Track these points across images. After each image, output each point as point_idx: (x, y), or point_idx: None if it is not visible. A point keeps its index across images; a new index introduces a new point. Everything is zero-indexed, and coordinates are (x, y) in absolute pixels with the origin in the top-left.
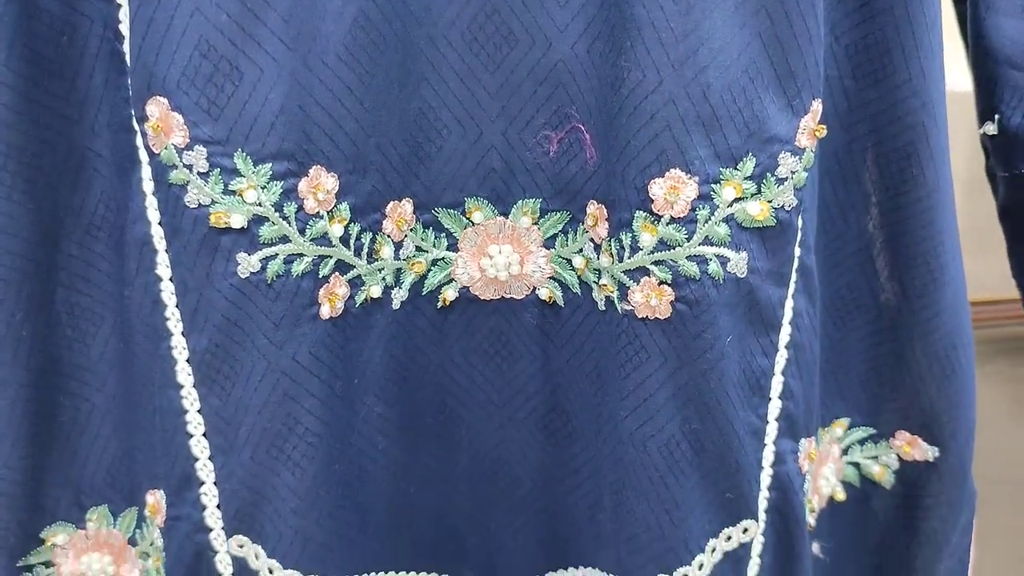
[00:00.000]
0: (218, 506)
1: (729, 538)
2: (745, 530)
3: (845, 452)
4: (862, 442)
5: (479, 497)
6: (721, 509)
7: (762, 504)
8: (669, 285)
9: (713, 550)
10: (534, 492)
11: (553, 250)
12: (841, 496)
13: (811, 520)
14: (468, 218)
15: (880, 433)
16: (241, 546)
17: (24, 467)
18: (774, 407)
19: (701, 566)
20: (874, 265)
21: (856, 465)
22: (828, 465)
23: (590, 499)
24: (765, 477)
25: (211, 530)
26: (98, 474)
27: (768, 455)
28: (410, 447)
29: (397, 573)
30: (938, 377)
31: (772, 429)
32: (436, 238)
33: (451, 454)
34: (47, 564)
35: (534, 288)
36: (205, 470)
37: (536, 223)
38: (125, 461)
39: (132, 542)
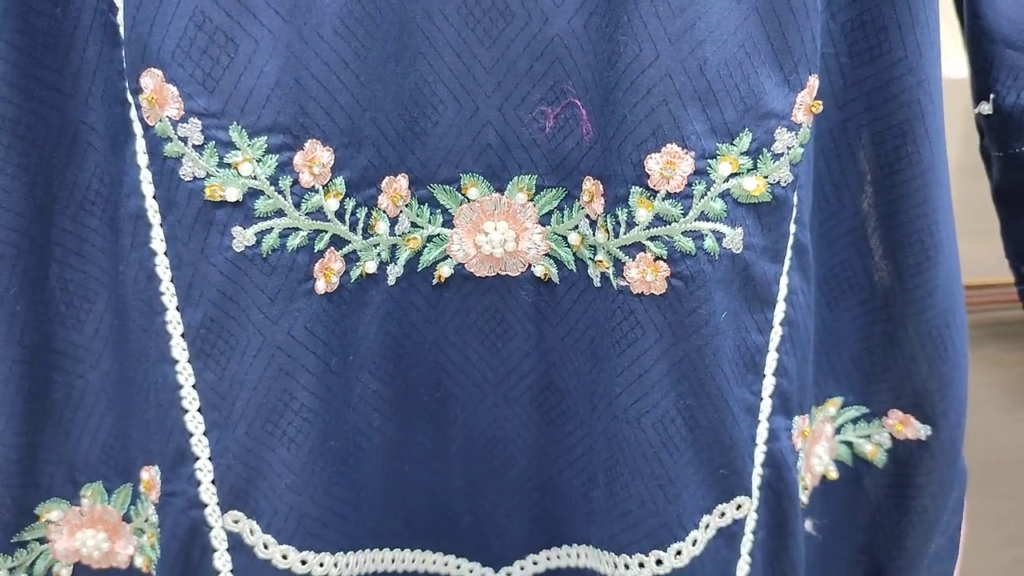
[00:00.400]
0: (213, 482)
1: (723, 514)
2: (739, 506)
3: (838, 431)
4: (855, 421)
5: (473, 476)
6: (715, 485)
7: (755, 481)
8: (665, 261)
9: (707, 526)
10: (528, 471)
11: (549, 227)
12: (834, 475)
13: (804, 498)
14: (464, 194)
15: (873, 412)
16: (236, 521)
17: (18, 444)
18: (768, 384)
19: (695, 542)
20: (868, 244)
21: (849, 444)
22: (821, 444)
23: (584, 477)
24: (759, 454)
25: (206, 506)
26: (92, 451)
27: (762, 432)
28: (405, 425)
29: (392, 550)
30: (931, 356)
31: (766, 406)
32: (432, 214)
33: (445, 433)
34: (41, 540)
35: (529, 265)
36: (200, 445)
37: (532, 200)
38: (119, 438)
39: (127, 519)
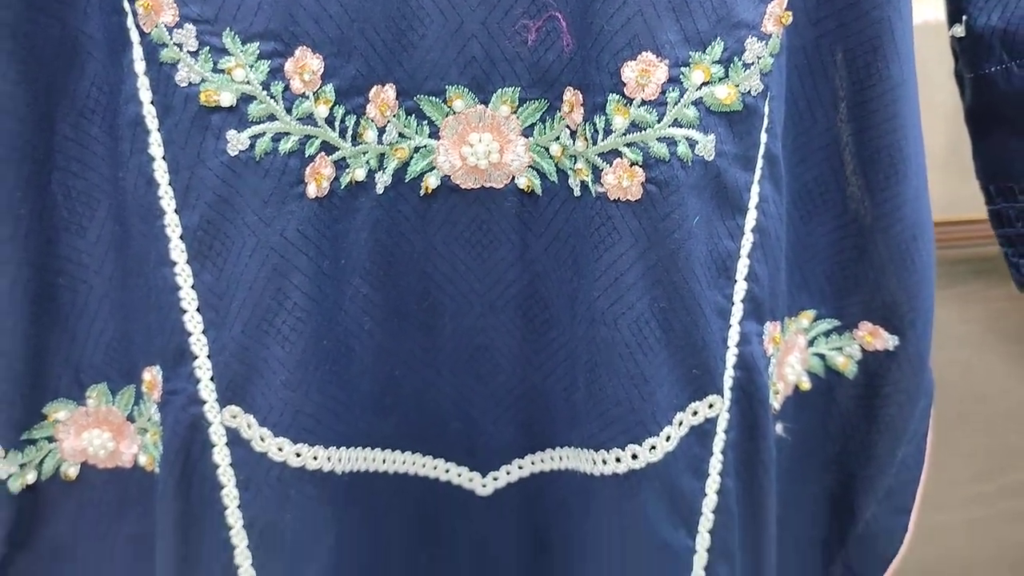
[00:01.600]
0: (211, 379)
1: (696, 412)
2: (711, 406)
3: (811, 343)
4: (827, 333)
5: (461, 383)
6: (688, 384)
7: (727, 382)
8: (640, 166)
9: (680, 423)
10: (514, 378)
11: (531, 138)
12: (806, 385)
13: (776, 403)
14: (449, 106)
15: (845, 325)
16: (234, 416)
17: (26, 344)
18: (740, 289)
19: (668, 438)
20: (841, 159)
21: (821, 356)
22: (794, 354)
23: (566, 382)
24: (730, 356)
25: (205, 402)
26: (97, 353)
27: (733, 335)
28: (395, 332)
29: (383, 450)
30: (899, 268)
31: (737, 310)
32: (418, 125)
33: (434, 341)
34: (50, 439)
35: (513, 177)
36: (199, 344)
37: (515, 112)
38: (122, 341)
39: (131, 418)
